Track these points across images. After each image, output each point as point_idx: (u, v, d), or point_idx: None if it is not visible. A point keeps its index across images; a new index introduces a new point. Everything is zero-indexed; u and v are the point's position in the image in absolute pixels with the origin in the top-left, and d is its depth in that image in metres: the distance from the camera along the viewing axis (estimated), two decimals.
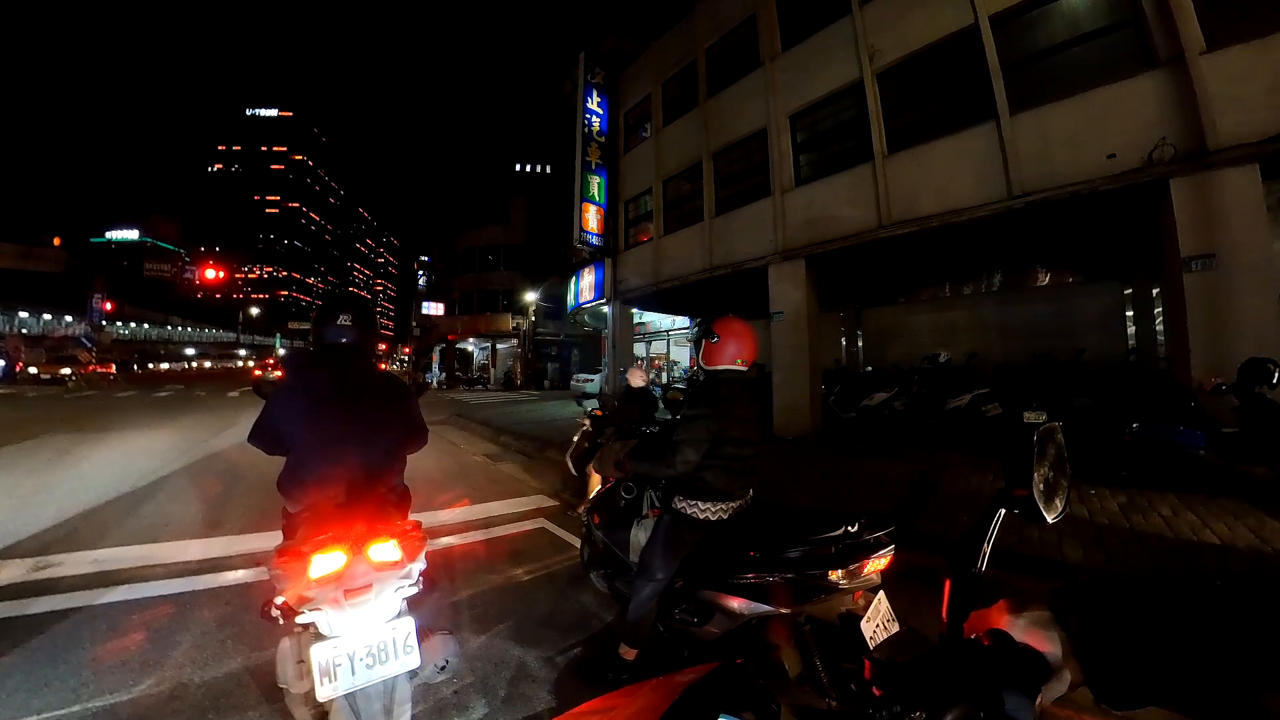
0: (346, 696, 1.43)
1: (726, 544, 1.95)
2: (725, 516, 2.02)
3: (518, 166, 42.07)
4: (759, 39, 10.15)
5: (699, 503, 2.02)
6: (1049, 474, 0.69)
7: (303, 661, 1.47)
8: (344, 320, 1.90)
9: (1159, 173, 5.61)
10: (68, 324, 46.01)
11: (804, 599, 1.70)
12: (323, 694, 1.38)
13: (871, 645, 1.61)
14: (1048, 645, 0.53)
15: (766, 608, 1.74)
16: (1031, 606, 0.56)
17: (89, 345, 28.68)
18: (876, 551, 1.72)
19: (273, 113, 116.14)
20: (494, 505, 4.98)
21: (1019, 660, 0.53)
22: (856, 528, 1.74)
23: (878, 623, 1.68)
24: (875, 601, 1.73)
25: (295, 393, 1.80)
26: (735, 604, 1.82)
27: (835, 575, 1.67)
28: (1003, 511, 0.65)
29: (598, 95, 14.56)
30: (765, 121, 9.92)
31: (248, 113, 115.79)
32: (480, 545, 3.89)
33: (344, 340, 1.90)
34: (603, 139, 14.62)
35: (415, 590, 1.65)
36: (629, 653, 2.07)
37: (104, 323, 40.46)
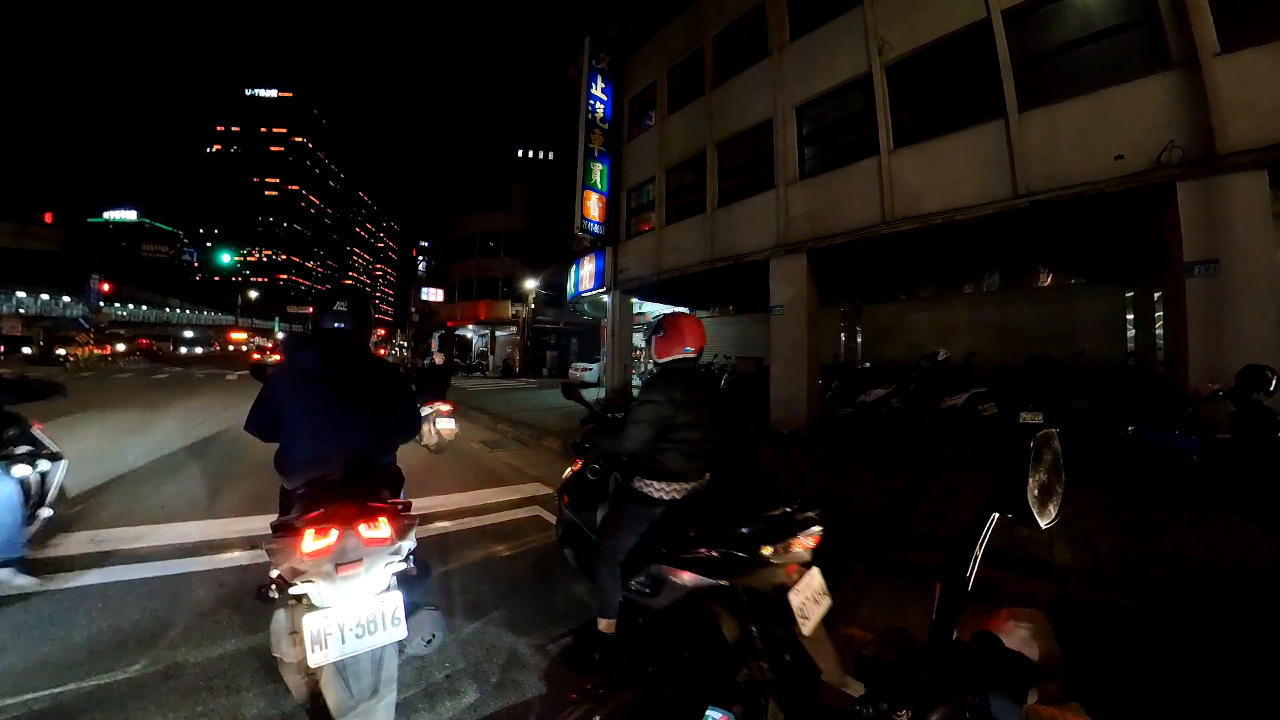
0: (337, 664, 1.51)
1: (678, 522, 2.11)
2: (679, 497, 2.16)
3: (519, 152, 41.42)
4: (767, 28, 10.00)
5: (655, 482, 2.17)
6: (1044, 479, 0.69)
7: (296, 632, 1.55)
8: (340, 307, 2.01)
9: (1166, 176, 5.57)
10: (65, 304, 45.72)
11: (741, 572, 1.86)
12: (314, 661, 1.47)
13: (799, 615, 1.74)
14: (1038, 652, 0.53)
15: (709, 580, 1.91)
16: (1024, 613, 0.56)
17: (87, 326, 28.49)
18: (805, 530, 1.88)
19: (272, 93, 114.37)
20: (489, 492, 5.00)
21: (1007, 664, 0.53)
22: (794, 509, 1.91)
23: (806, 595, 1.82)
24: (807, 576, 1.88)
25: (293, 373, 1.91)
26: (684, 577, 1.98)
27: (766, 551, 1.82)
28: (995, 515, 0.65)
29: (602, 81, 14.34)
30: (771, 113, 9.80)
31: (247, 93, 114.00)
32: (474, 531, 3.91)
33: (340, 326, 2.00)
34: (606, 126, 14.42)
35: (405, 567, 1.75)
36: (608, 626, 2.15)
37: (101, 304, 40.19)
